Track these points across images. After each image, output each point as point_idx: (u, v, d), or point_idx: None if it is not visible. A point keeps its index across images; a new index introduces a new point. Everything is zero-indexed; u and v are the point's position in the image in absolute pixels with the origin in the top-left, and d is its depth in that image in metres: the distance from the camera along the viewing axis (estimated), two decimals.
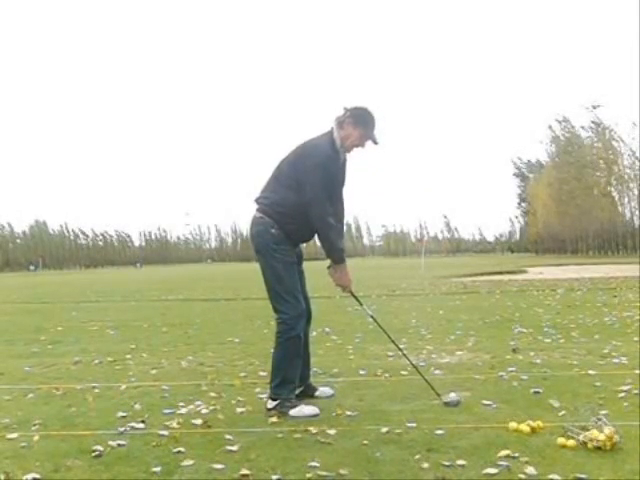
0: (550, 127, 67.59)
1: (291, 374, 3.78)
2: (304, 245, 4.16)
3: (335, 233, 3.81)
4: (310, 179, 3.72)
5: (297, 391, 3.90)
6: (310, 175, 3.73)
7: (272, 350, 3.88)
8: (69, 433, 3.40)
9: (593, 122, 61.49)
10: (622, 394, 3.84)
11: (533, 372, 4.64)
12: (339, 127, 3.82)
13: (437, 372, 4.78)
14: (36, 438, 3.30)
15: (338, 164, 3.86)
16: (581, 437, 2.90)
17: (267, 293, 3.90)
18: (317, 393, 4.06)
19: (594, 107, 57.99)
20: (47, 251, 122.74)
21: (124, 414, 3.75)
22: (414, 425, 3.31)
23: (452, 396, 3.35)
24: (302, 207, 3.75)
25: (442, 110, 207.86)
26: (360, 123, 3.80)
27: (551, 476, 2.55)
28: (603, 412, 3.28)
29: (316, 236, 3.90)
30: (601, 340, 6.08)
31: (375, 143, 3.84)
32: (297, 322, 3.76)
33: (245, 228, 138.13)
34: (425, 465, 2.74)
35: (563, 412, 3.45)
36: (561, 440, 2.93)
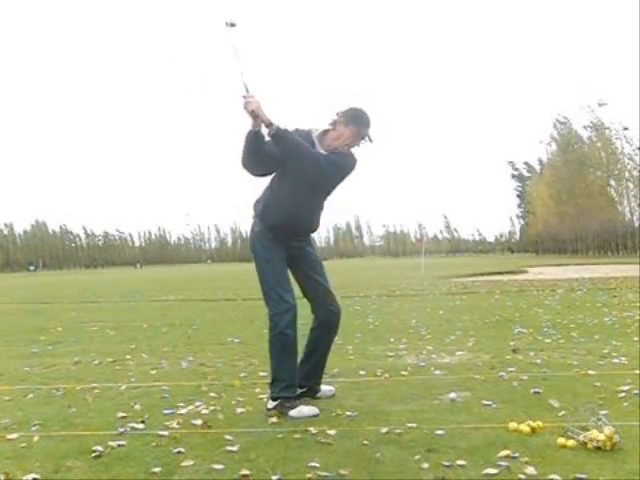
0: (555, 126, 67.52)
1: (281, 372, 3.75)
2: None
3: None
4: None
5: (299, 391, 3.90)
6: None
7: None
8: (69, 433, 3.40)
9: (593, 122, 61.46)
10: (622, 394, 3.84)
11: (533, 372, 4.63)
12: (332, 129, 3.82)
13: (437, 372, 4.78)
14: (36, 438, 3.29)
15: (308, 142, 3.79)
16: (581, 437, 2.90)
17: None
18: (319, 394, 4.05)
19: (600, 105, 57.58)
20: (47, 251, 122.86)
21: (124, 414, 3.74)
22: (414, 425, 3.31)
23: None
24: (278, 196, 3.80)
25: (442, 111, 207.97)
26: (351, 121, 3.77)
27: (551, 476, 2.55)
28: (603, 412, 3.28)
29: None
30: (601, 340, 6.07)
31: (370, 141, 3.81)
32: (280, 319, 3.72)
33: (245, 229, 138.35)
34: (425, 465, 2.73)
35: (563, 412, 3.45)
36: (561, 440, 2.92)
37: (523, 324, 7.48)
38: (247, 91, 3.62)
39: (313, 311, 3.97)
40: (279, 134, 3.63)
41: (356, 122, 3.77)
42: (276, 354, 3.76)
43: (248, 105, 3.59)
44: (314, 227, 4.02)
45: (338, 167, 3.82)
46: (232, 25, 3.59)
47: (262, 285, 3.85)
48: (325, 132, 3.86)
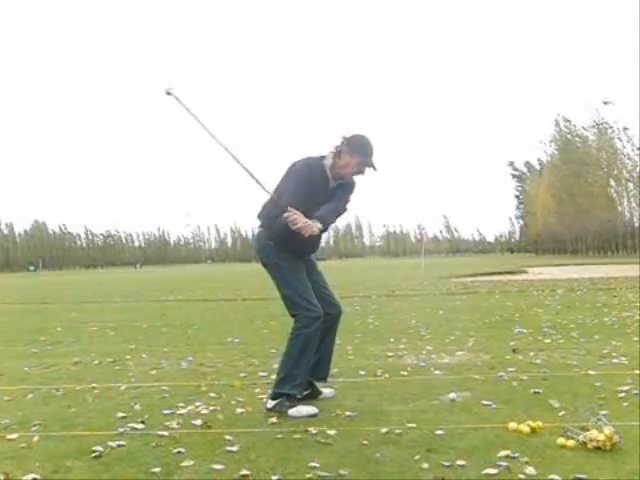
0: (556, 125, 67.35)
1: (296, 370, 3.79)
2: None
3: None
4: (289, 186, 3.80)
5: (304, 393, 3.92)
6: (290, 181, 3.83)
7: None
8: (69, 433, 3.40)
9: (596, 121, 61.32)
10: (622, 394, 3.84)
11: (533, 372, 4.63)
12: (337, 156, 3.88)
13: (437, 372, 4.78)
14: (36, 439, 3.29)
15: (324, 180, 3.88)
16: (581, 437, 2.90)
17: (283, 302, 3.95)
18: (321, 396, 4.05)
19: (605, 103, 57.15)
20: (47, 251, 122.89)
21: (124, 414, 3.74)
22: (414, 425, 3.31)
23: None
24: (283, 217, 3.79)
25: (442, 111, 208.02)
26: (357, 151, 3.84)
27: (551, 476, 2.55)
28: (603, 412, 3.28)
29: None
30: (601, 340, 6.07)
31: (374, 169, 3.88)
32: (311, 322, 3.78)
33: (245, 229, 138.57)
34: (425, 465, 2.74)
35: (563, 412, 3.45)
36: (561, 440, 2.93)
37: (523, 324, 7.48)
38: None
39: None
40: (322, 230, 3.76)
41: (361, 152, 3.86)
42: (296, 352, 3.80)
43: (295, 222, 3.61)
44: (315, 249, 4.13)
45: (342, 202, 3.95)
46: (168, 94, 3.66)
47: (286, 291, 3.89)
48: (333, 159, 3.91)
